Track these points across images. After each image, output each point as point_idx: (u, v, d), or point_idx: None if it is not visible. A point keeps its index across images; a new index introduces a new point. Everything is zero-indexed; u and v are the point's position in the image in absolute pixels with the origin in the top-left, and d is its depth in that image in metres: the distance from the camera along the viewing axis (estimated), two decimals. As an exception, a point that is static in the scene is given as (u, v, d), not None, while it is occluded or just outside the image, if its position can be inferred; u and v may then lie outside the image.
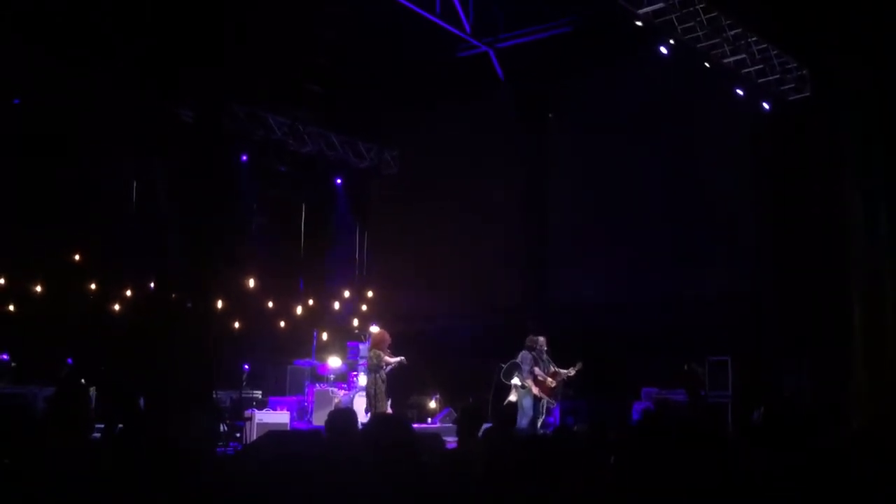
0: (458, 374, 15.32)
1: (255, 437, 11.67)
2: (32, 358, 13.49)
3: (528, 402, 12.77)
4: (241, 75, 13.76)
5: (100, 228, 14.94)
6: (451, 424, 13.76)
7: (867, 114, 13.58)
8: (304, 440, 4.97)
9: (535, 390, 12.79)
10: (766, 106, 13.96)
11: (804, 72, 13.92)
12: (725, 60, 13.27)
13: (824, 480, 4.25)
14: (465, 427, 6.54)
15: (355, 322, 17.81)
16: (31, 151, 13.98)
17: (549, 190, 17.22)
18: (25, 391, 12.16)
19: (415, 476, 4.02)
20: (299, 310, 17.49)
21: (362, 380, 14.13)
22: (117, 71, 13.60)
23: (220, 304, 13.62)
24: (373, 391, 12.46)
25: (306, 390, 15.04)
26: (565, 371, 13.14)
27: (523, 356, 12.94)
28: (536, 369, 12.86)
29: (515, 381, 12.95)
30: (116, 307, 15.46)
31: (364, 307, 18.32)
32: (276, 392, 15.19)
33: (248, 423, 12.54)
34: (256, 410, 13.14)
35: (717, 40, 13.01)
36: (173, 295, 12.28)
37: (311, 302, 17.86)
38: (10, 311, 14.76)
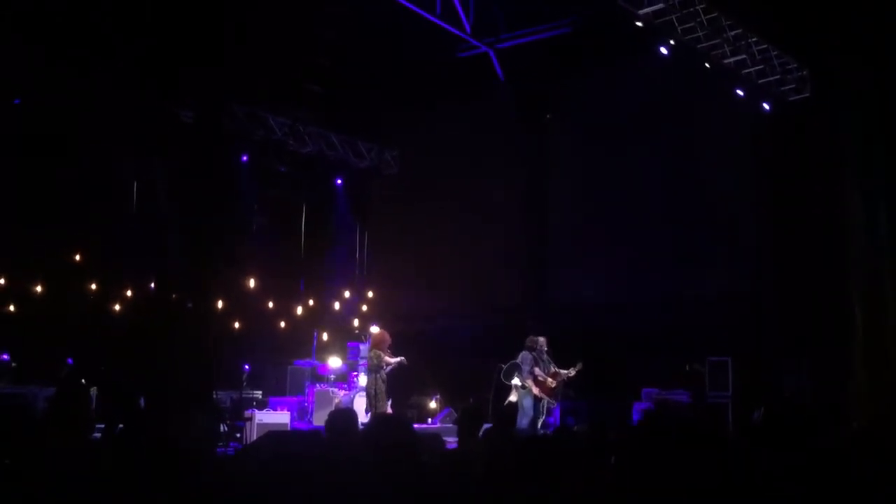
0: (459, 374, 15.32)
1: (255, 438, 11.66)
2: (33, 358, 13.48)
3: (528, 403, 12.77)
4: (241, 75, 13.77)
5: (100, 228, 14.94)
6: (451, 425, 13.76)
7: (867, 114, 13.58)
8: (304, 440, 4.96)
9: (536, 391, 12.79)
10: (766, 106, 13.96)
11: (804, 72, 13.92)
12: (726, 61, 13.27)
13: (824, 480, 4.25)
14: (465, 427, 6.54)
15: (356, 322, 17.81)
16: (31, 151, 13.98)
17: (549, 190, 17.22)
18: (26, 391, 12.15)
19: (415, 476, 4.02)
20: (299, 310, 17.49)
21: (362, 380, 14.13)
22: (117, 71, 13.60)
23: (220, 304, 13.64)
24: (373, 391, 12.46)
25: (306, 390, 15.04)
26: (565, 371, 13.13)
27: (523, 356, 12.94)
28: (537, 370, 12.86)
29: (516, 381, 12.94)
30: (116, 307, 15.46)
31: (364, 307, 18.32)
32: (276, 392, 15.19)
33: (248, 424, 12.53)
34: (256, 410, 13.13)
35: (717, 41, 13.01)
36: (173, 295, 12.30)
37: (311, 302, 17.85)
38: (10, 311, 14.76)
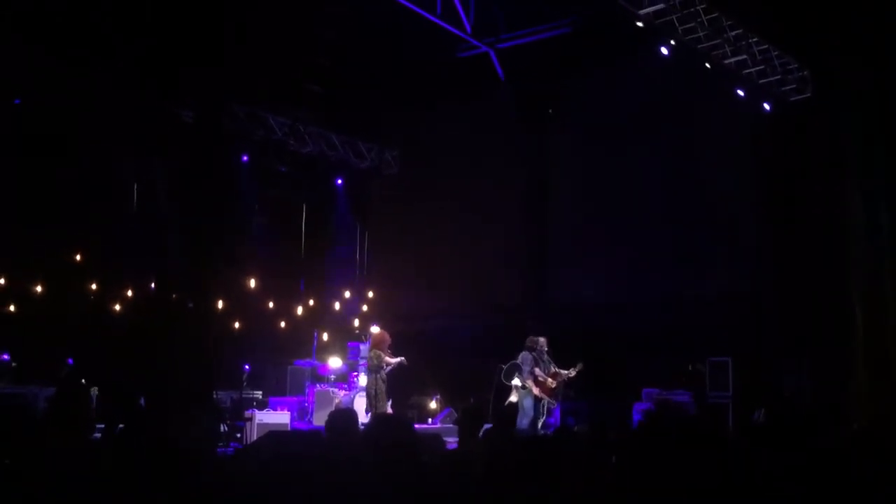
0: (459, 374, 15.32)
1: (255, 438, 11.66)
2: (33, 358, 13.48)
3: (528, 403, 12.77)
4: (241, 75, 13.76)
5: (100, 228, 14.94)
6: (451, 425, 13.76)
7: (868, 115, 13.57)
8: (304, 440, 4.97)
9: (536, 391, 12.79)
10: (766, 107, 13.95)
11: (805, 73, 13.91)
12: (726, 61, 13.27)
13: (824, 480, 4.25)
14: (465, 427, 6.54)
15: (356, 322, 17.81)
16: (31, 151, 13.98)
17: (549, 190, 17.21)
18: (26, 391, 12.15)
19: (415, 476, 4.02)
20: (300, 310, 17.49)
21: (363, 380, 14.12)
22: (117, 71, 13.59)
23: (220, 304, 13.62)
24: (373, 391, 12.47)
25: (307, 390, 15.04)
26: (566, 372, 13.13)
27: (524, 357, 12.94)
28: (537, 370, 12.85)
29: (516, 381, 12.94)
30: (117, 307, 15.46)
31: (364, 307, 18.32)
32: (276, 392, 15.18)
33: (248, 424, 12.53)
34: (257, 411, 13.12)
35: (717, 41, 13.01)
36: (173, 295, 12.29)
37: (311, 302, 17.86)
38: (10, 311, 14.76)
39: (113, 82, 13.67)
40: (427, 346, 15.20)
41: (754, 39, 13.30)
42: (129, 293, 15.57)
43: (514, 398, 12.96)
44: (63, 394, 5.21)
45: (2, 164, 13.81)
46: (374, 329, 14.15)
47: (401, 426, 4.35)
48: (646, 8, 12.14)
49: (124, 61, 13.53)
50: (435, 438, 6.10)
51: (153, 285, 14.70)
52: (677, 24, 12.50)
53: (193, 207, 11.83)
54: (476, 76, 16.17)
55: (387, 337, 12.90)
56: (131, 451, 3.99)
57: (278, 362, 15.94)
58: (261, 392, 14.38)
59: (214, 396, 11.93)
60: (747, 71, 13.48)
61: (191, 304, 11.36)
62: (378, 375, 12.49)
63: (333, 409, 13.20)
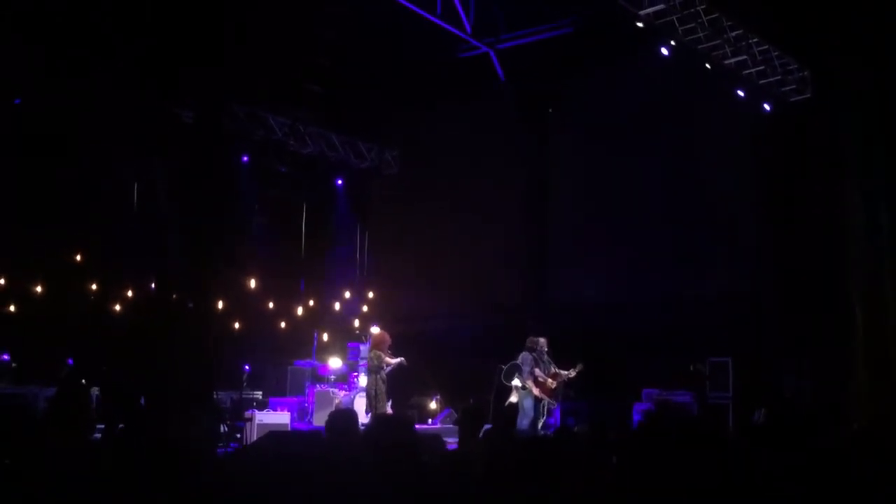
0: (459, 374, 15.31)
1: (255, 438, 11.66)
2: (33, 358, 13.50)
3: (528, 404, 12.77)
4: (241, 75, 13.75)
5: (100, 228, 14.94)
6: (451, 425, 13.76)
7: (868, 115, 13.57)
8: (304, 441, 4.97)
9: (536, 391, 12.79)
10: (766, 107, 13.96)
11: (805, 73, 13.92)
12: (726, 61, 13.27)
13: (824, 480, 4.25)
14: (465, 428, 6.54)
15: (356, 323, 17.81)
16: (31, 151, 13.98)
17: (549, 190, 17.21)
18: (26, 391, 12.17)
19: (415, 477, 4.02)
20: (300, 310, 17.49)
21: (363, 380, 14.13)
22: (117, 71, 13.59)
23: (220, 304, 13.61)
24: (373, 392, 12.47)
25: (307, 391, 15.04)
26: (566, 372, 13.13)
27: (524, 357, 12.94)
28: (537, 370, 12.85)
29: (516, 382, 12.94)
30: (116, 307, 15.46)
31: (364, 307, 18.32)
32: (276, 393, 15.18)
33: (248, 424, 12.53)
34: (257, 411, 13.13)
35: (718, 41, 13.01)
36: (173, 295, 12.27)
37: (311, 302, 17.86)
38: (10, 311, 14.76)
39: (113, 82, 13.67)
40: (427, 347, 15.20)
41: (754, 40, 13.30)
42: (129, 293, 15.57)
43: (514, 399, 12.96)
44: (63, 394, 5.22)
45: (2, 164, 13.81)
46: (374, 329, 14.16)
47: (401, 426, 4.35)
48: (646, 8, 12.14)
49: (124, 61, 13.53)
50: (435, 439, 6.10)
51: (153, 285, 14.69)
52: (677, 25, 12.50)
53: (193, 207, 11.81)
54: (476, 76, 16.17)
55: (387, 337, 12.90)
56: (131, 451, 3.99)
57: (278, 363, 15.94)
58: (261, 392, 14.38)
59: (214, 397, 11.93)
60: (747, 71, 13.48)
61: (191, 304, 11.34)
62: (378, 376, 12.49)
63: (333, 409, 13.20)
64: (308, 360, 15.80)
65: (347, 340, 16.70)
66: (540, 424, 12.76)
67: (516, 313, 16.01)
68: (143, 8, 12.86)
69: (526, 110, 16.84)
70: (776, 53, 13.53)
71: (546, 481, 4.18)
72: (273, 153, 16.84)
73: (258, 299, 16.76)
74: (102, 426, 7.78)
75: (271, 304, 17.16)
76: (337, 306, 18.15)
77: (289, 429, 13.08)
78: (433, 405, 16.30)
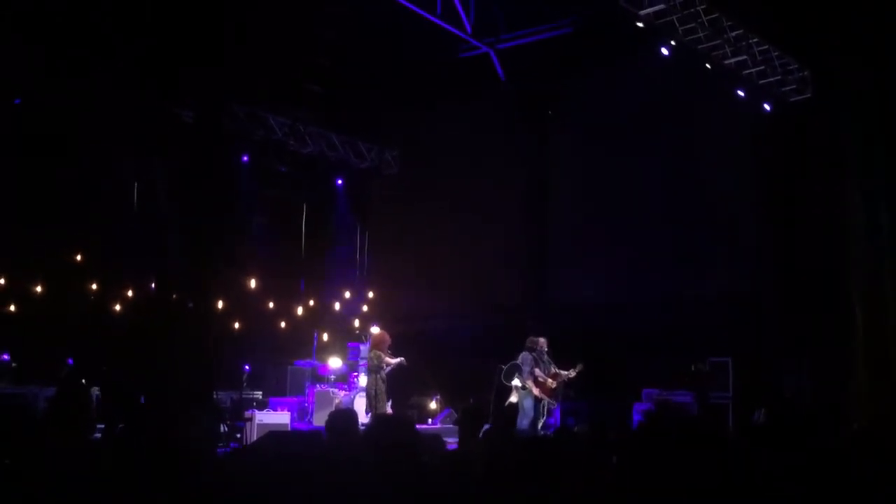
0: (459, 374, 15.31)
1: (255, 438, 11.66)
2: (33, 358, 13.49)
3: (528, 404, 12.77)
4: (241, 75, 13.75)
5: (100, 228, 14.94)
6: (451, 425, 13.76)
7: (868, 115, 13.57)
8: (304, 441, 4.96)
9: (536, 391, 12.79)
10: (767, 107, 13.95)
11: (805, 73, 13.91)
12: (726, 61, 13.26)
13: (824, 480, 4.25)
14: (465, 428, 6.55)
15: (356, 323, 17.81)
16: (31, 151, 13.98)
17: (549, 190, 17.22)
18: (26, 391, 12.17)
19: (415, 477, 4.02)
20: (300, 310, 17.49)
21: (363, 380, 14.13)
22: (117, 71, 13.59)
23: (220, 304, 13.61)
24: (373, 392, 12.47)
25: (307, 391, 15.04)
26: (566, 372, 13.13)
27: (524, 357, 12.94)
28: (537, 371, 12.86)
29: (516, 382, 12.94)
30: (117, 307, 15.46)
31: (364, 307, 18.32)
32: (276, 393, 15.19)
33: (248, 424, 12.53)
34: (257, 411, 13.14)
35: (718, 41, 13.00)
36: (173, 295, 12.27)
37: (311, 302, 17.86)
38: (10, 311, 14.76)
39: (113, 82, 13.67)
40: (427, 347, 15.20)
41: (754, 40, 13.29)
42: (129, 293, 15.57)
43: (514, 399, 12.96)
44: (63, 394, 5.22)
45: (2, 164, 13.81)
46: (374, 329, 14.16)
47: (401, 426, 4.35)
48: (646, 8, 12.14)
49: (124, 61, 13.53)
50: (435, 439, 6.10)
51: (153, 285, 14.69)
52: (677, 25, 12.50)
53: (193, 207, 11.81)
54: (476, 76, 16.16)
55: (387, 337, 12.90)
56: (131, 451, 3.99)
57: (278, 362, 15.94)
58: (261, 392, 14.38)
59: (214, 396, 11.93)
60: (747, 71, 13.48)
61: (191, 304, 11.35)
62: (378, 376, 12.49)
63: (333, 409, 13.20)
64: (308, 360, 15.80)
65: (347, 340, 16.71)
66: (540, 424, 12.76)
67: (516, 313, 16.01)
68: (143, 8, 12.87)
69: (526, 110, 16.84)
70: (776, 53, 13.53)
71: (546, 481, 4.18)
72: (273, 153, 16.84)
73: (258, 299, 16.77)
74: (102, 426, 7.79)
75: (271, 304, 17.16)
76: (337, 306, 18.15)
77: (289, 429, 13.09)
78: (433, 405, 16.30)
